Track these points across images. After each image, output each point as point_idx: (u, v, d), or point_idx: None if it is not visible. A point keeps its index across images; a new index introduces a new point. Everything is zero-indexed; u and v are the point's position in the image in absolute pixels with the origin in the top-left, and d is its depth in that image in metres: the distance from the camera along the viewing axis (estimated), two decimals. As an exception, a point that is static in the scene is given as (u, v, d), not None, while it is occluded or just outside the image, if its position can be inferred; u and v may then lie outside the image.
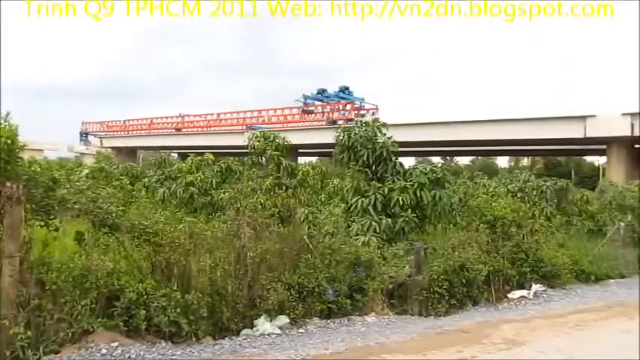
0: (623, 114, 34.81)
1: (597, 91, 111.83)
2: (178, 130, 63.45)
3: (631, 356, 6.55)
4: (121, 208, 7.21)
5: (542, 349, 6.92)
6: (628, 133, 34.50)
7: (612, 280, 12.11)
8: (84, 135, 73.36)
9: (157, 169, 16.76)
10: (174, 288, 6.63)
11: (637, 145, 37.63)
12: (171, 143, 60.38)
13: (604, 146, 38.34)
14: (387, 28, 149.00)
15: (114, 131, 70.36)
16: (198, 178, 14.37)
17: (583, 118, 36.09)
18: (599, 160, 54.47)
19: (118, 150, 58.58)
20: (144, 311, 6.28)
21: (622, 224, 13.70)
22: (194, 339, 6.57)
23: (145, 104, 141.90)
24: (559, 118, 37.61)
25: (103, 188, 7.61)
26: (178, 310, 6.43)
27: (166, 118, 65.62)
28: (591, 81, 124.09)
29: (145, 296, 6.35)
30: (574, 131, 36.58)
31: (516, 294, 9.98)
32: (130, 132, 68.06)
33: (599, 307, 9.61)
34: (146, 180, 16.32)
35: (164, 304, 6.38)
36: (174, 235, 6.98)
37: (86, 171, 15.41)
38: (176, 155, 56.50)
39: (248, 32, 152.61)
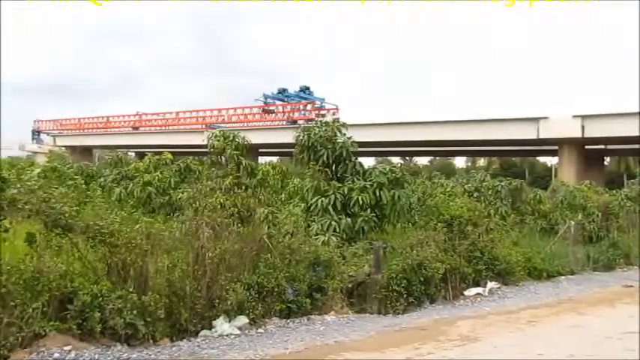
0: (574, 116, 36.12)
1: (550, 93, 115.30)
2: (136, 128, 62.23)
3: (581, 351, 6.81)
4: (74, 208, 7.02)
5: (495, 344, 7.11)
6: (579, 135, 35.82)
7: (563, 277, 12.54)
8: (36, 133, 71.05)
9: (114, 169, 16.37)
10: (131, 289, 6.51)
11: (587, 147, 39.10)
12: (128, 142, 59.17)
13: (556, 147, 39.67)
14: (348, 27, 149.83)
15: (68, 129, 68.39)
16: (156, 178, 14.10)
17: (536, 119, 37.28)
18: (551, 161, 56.37)
19: (73, 149, 56.91)
20: (99, 314, 6.14)
21: (572, 223, 14.19)
22: (151, 341, 6.46)
23: (100, 102, 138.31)
24: (513, 119, 38.73)
25: (56, 188, 7.39)
26: (135, 311, 6.31)
27: (123, 116, 64.27)
28: (545, 83, 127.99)
29: (100, 298, 6.21)
30: (528, 132, 37.75)
31: (472, 291, 10.22)
32: (85, 130, 66.32)
33: (551, 303, 9.93)
34: (102, 179, 15.92)
35: (120, 305, 6.25)
36: (130, 235, 6.84)
37: (38, 170, 14.93)
38: (133, 154, 55.35)
39: (205, 30, 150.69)
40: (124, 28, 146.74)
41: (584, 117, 35.76)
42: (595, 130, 35.59)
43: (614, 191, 20.50)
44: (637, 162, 53.22)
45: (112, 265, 6.76)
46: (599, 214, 16.59)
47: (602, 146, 42.73)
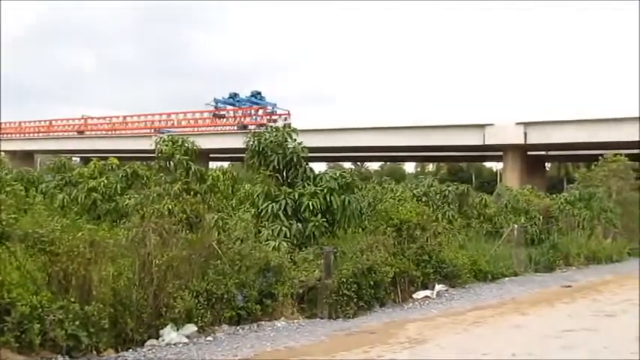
0: (517, 123, 37.42)
1: (495, 100, 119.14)
2: (81, 132, 60.26)
3: (522, 349, 7.04)
4: (12, 215, 6.74)
5: (442, 345, 7.26)
6: (521, 141, 37.14)
7: (507, 279, 12.96)
8: (-28, 137, 67.63)
9: (57, 174, 15.79)
10: (73, 299, 6.28)
11: (529, 152, 40.58)
12: (72, 147, 57.15)
13: (501, 153, 40.98)
14: (302, 33, 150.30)
15: (7, 133, 65.41)
16: (102, 184, 13.70)
17: (482, 126, 38.40)
18: (497, 166, 58.19)
19: (12, 154, 54.57)
20: (38, 325, 5.90)
21: (516, 226, 14.70)
22: (94, 352, 6.27)
23: (42, 105, 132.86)
24: (461, 126, 39.77)
25: (-8, 195, 7.07)
26: (77, 322, 6.10)
27: (67, 120, 62.13)
28: (491, 90, 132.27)
29: (40, 309, 5.97)
30: (474, 138, 38.84)
31: (421, 294, 10.41)
32: (27, 134, 63.68)
33: (495, 304, 10.24)
34: (44, 186, 15.33)
35: (61, 316, 6.03)
36: (72, 243, 6.61)
37: (-27, 176, 14.22)
38: (78, 160, 53.54)
39: (153, 32, 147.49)
40: (67, 28, 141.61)
41: (526, 124, 37.11)
42: (537, 137, 37.02)
43: (555, 195, 21.40)
44: (576, 167, 55.69)
45: (53, 275, 6.52)
46: (541, 218, 17.27)
47: (544, 152, 44.49)
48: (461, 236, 14.23)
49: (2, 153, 55.03)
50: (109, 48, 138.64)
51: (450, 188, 16.28)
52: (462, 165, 70.30)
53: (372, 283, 9.23)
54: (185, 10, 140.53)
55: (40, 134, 62.60)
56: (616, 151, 23.61)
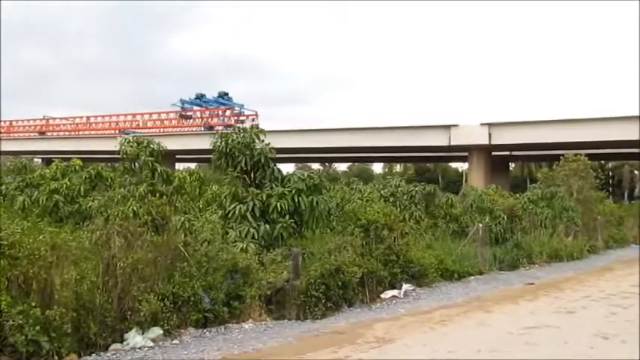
0: (482, 124, 38.15)
1: (461, 101, 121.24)
2: (42, 133, 58.81)
3: (487, 346, 7.18)
4: (-31, 218, 6.52)
5: (409, 344, 7.34)
6: (486, 142, 37.86)
7: (472, 277, 13.19)
8: None
9: (16, 176, 15.33)
10: (34, 304, 6.11)
11: (494, 153, 41.37)
12: (34, 148, 55.70)
13: (466, 153, 41.67)
14: (270, 32, 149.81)
15: (-35, 134, 63.37)
16: (64, 185, 13.36)
17: (448, 127, 39.01)
18: (462, 166, 59.19)
19: (-30, 155, 52.80)
20: (-3, 331, 5.72)
21: (481, 225, 14.96)
22: (56, 358, 6.09)
23: (3, 104, 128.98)
24: (427, 127, 40.31)
25: (-52, 197, 6.83)
26: (38, 327, 5.93)
27: (28, 120, 60.53)
28: (457, 92, 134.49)
29: (-1, 314, 5.79)
30: (440, 139, 39.42)
31: (388, 294, 10.50)
32: (-15, 135, 61.70)
33: (461, 303, 10.40)
34: (3, 187, 14.87)
35: (21, 321, 5.86)
36: (33, 246, 6.44)
37: None
38: (40, 161, 52.15)
39: (118, 31, 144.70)
40: (28, 26, 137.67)
41: (490, 125, 37.85)
42: (501, 137, 37.79)
43: (518, 195, 21.86)
44: (538, 167, 57.05)
45: (13, 279, 6.31)
46: (505, 217, 17.61)
47: (508, 152, 45.44)
48: (428, 236, 14.40)
49: (-41, 154, 53.30)
50: (73, 47, 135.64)
51: (417, 188, 16.44)
52: (429, 165, 71.31)
53: (340, 283, 9.25)
54: (150, 8, 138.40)
55: (0, 135, 60.74)
56: (576, 151, 24.31)
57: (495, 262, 14.69)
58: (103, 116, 57.08)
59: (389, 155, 55.62)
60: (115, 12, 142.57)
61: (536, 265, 15.85)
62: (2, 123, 61.48)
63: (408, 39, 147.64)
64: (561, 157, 24.07)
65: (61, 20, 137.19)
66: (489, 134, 37.73)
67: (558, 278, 13.73)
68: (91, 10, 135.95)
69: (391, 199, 15.84)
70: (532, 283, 12.81)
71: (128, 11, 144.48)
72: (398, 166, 77.04)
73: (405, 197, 16.15)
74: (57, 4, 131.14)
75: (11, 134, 60.29)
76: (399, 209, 14.23)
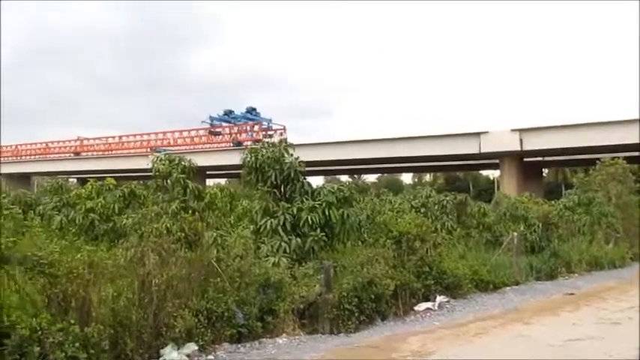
0: (512, 130, 37.58)
1: (490, 108, 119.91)
2: (77, 154, 60.37)
3: (528, 359, 7.02)
4: (11, 239, 6.73)
5: (445, 357, 7.22)
6: (517, 148, 37.26)
7: (508, 288, 12.91)
8: (-32, 161, 67.61)
9: (54, 196, 15.76)
10: (73, 321, 6.24)
11: (526, 159, 40.69)
12: (69, 168, 57.29)
13: (497, 160, 41.08)
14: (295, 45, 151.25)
15: (4, 157, 65.49)
16: (99, 204, 13.68)
17: (477, 134, 38.56)
18: (494, 174, 58.37)
19: (9, 177, 54.54)
20: (38, 348, 5.85)
21: (515, 234, 14.68)
22: (95, 374, 6.20)
23: (36, 127, 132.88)
24: (456, 135, 39.92)
25: (-10, 219, 7.07)
26: (77, 344, 6.05)
27: (64, 141, 62.25)
28: (485, 98, 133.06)
29: (40, 332, 5.93)
30: (470, 147, 38.97)
31: (422, 306, 10.37)
32: (23, 157, 63.72)
33: (497, 314, 10.20)
34: (41, 208, 15.28)
35: (61, 339, 5.99)
36: (71, 265, 6.60)
37: (-30, 200, 14.17)
38: (75, 181, 53.55)
39: (142, 51, 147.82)
40: (51, 47, 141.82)
41: (521, 130, 37.28)
42: (533, 143, 37.17)
43: (553, 202, 21.39)
44: (573, 172, 55.85)
45: (52, 297, 6.48)
46: (540, 225, 17.24)
47: (540, 158, 44.64)
48: (461, 246, 14.21)
49: (-1, 176, 55.10)
50: (100, 68, 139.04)
51: (447, 198, 16.27)
52: (459, 174, 70.45)
53: (372, 296, 9.20)
54: (173, 27, 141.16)
55: (37, 156, 62.64)
56: (614, 155, 23.69)
57: (532, 272, 14.36)
58: (134, 135, 58.30)
59: (418, 165, 55.23)
60: (138, 33, 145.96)
61: (576, 274, 15.43)
62: (38, 145, 63.41)
63: (430, 46, 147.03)
64: (597, 162, 23.48)
65: (87, 43, 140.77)
66: (520, 140, 37.15)
67: (600, 288, 13.34)
68: (114, 31, 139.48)
69: (422, 210, 15.69)
70: (572, 293, 12.48)
71: (152, 32, 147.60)
72: (427, 175, 76.49)
73: (436, 207, 15.98)
74: (81, 27, 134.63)
75: (47, 155, 62.04)
76: (430, 220, 14.08)
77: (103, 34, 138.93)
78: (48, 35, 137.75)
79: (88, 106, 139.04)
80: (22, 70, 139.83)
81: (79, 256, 6.92)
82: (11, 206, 14.29)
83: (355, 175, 71.26)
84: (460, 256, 13.27)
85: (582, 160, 42.38)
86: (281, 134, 48.05)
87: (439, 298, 10.80)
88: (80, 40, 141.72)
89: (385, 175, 76.47)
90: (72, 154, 60.53)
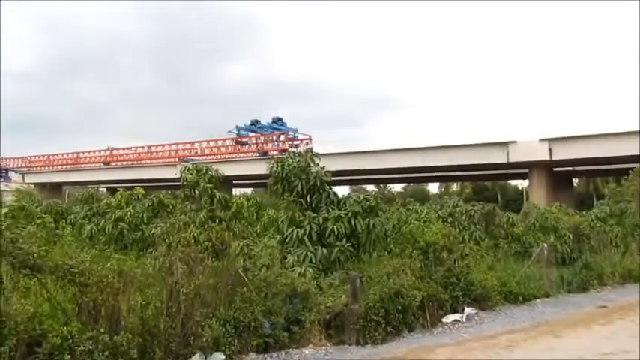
0: (541, 139, 36.96)
1: (518, 117, 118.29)
2: (107, 164, 61.48)
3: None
4: (43, 247, 6.88)
5: (475, 370, 7.10)
6: (546, 158, 36.62)
7: (538, 300, 12.62)
8: (4, 171, 69.52)
9: (84, 205, 16.09)
10: (102, 329, 6.34)
11: (555, 169, 39.96)
12: (99, 178, 58.42)
13: (526, 170, 40.45)
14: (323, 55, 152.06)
15: (37, 167, 67.20)
16: (129, 213, 13.90)
17: (505, 144, 38.05)
18: (522, 184, 57.40)
19: (42, 186, 55.85)
20: (69, 356, 5.96)
21: (545, 245, 14.39)
22: (124, 382, 6.27)
23: (69, 138, 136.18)
24: (484, 144, 39.43)
25: (24, 227, 7.24)
26: (107, 352, 6.14)
27: (94, 152, 63.53)
28: (512, 108, 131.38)
29: (70, 340, 6.04)
30: (498, 157, 38.46)
31: (450, 318, 10.22)
32: (55, 167, 65.24)
33: (528, 327, 9.98)
34: (72, 217, 15.61)
35: (91, 347, 6.08)
36: (101, 274, 6.71)
37: (5, 210, 14.56)
38: (105, 190, 54.56)
39: (169, 62, 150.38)
40: (81, 60, 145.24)
41: (551, 140, 36.65)
42: (562, 153, 36.49)
43: (584, 212, 20.92)
44: (605, 183, 54.64)
45: (83, 305, 6.60)
46: (571, 236, 16.86)
47: (570, 168, 43.78)
48: (489, 257, 13.99)
49: (32, 186, 56.48)
50: (129, 79, 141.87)
51: (475, 208, 16.07)
52: (487, 184, 69.58)
53: (399, 307, 9.10)
54: (204, 38, 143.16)
55: (68, 166, 64.04)
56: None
57: (563, 284, 14.03)
58: (163, 145, 59.12)
59: (445, 175, 54.71)
60: (166, 44, 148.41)
61: (608, 287, 15.01)
62: (70, 155, 64.83)
63: (457, 56, 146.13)
64: (630, 171, 22.92)
65: (112, 53, 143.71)
66: (550, 150, 36.51)
67: (633, 300, 12.93)
68: (143, 43, 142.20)
69: (449, 220, 15.50)
70: (605, 306, 12.14)
71: (179, 43, 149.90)
72: (454, 185, 75.67)
73: (463, 217, 15.79)
74: (110, 38, 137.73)
75: (78, 165, 63.39)
76: (457, 230, 13.92)
77: (135, 45, 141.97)
78: (79, 46, 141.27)
79: (118, 117, 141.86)
80: (56, 82, 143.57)
81: (108, 264, 7.05)
82: (43, 215, 14.66)
83: (381, 185, 71.03)
84: (488, 267, 13.06)
85: (614, 169, 41.46)
86: (307, 144, 48.20)
87: (467, 310, 10.63)
88: (112, 50, 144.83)
89: (411, 184, 75.98)
90: (102, 164, 61.70)
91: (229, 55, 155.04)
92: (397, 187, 77.48)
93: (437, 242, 11.05)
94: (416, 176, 57.35)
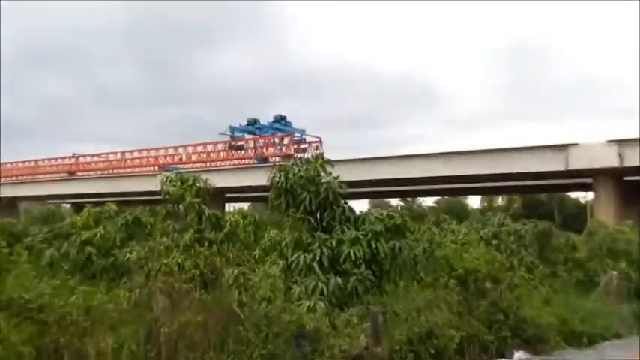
0: (609, 141, 36.66)
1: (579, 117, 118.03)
2: (72, 174, 61.97)
3: None
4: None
5: None
6: (616, 164, 36.32)
7: (607, 342, 12.50)
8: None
9: (44, 225, 16.23)
10: (66, 379, 6.38)
11: (627, 178, 39.62)
12: (62, 191, 58.85)
13: (590, 180, 40.15)
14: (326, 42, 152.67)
15: (-16, 178, 67.86)
16: (98, 235, 14.01)
17: (564, 147, 37.76)
18: (585, 197, 57.11)
19: (-9, 202, 56.44)
20: (25, 412, 5.99)
21: (614, 273, 14.29)
22: None
23: (24, 141, 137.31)
24: (536, 148, 39.21)
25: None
26: (71, 407, 6.17)
27: (56, 159, 64.05)
28: (572, 103, 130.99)
29: (27, 392, 6.07)
30: (554, 163, 38.19)
31: (496, 364, 10.18)
32: (8, 178, 65.83)
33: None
34: (29, 239, 15.75)
35: (52, 400, 6.11)
36: (64, 310, 6.76)
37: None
38: (69, 206, 54.99)
39: (146, 53, 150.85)
40: (45, 53, 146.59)
41: (621, 142, 36.35)
42: (635, 158, 36.19)
43: (664, 232, 20.74)
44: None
45: (43, 348, 6.63)
46: (647, 262, 16.74)
47: (646, 177, 43.45)
48: (544, 288, 13.94)
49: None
50: (101, 74, 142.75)
51: (526, 227, 16.06)
52: (541, 197, 69.20)
53: (432, 351, 9.10)
54: (187, 24, 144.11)
55: (24, 177, 64.59)
56: None
57: (638, 322, 13.92)
58: (139, 151, 59.49)
59: (488, 186, 54.51)
60: (147, 33, 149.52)
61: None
62: (26, 164, 65.42)
63: (505, 40, 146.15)
64: None
65: (83, 43, 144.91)
66: (619, 155, 36.23)
67: None
68: (120, 30, 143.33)
69: (494, 242, 15.51)
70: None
71: (162, 31, 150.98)
72: (500, 199, 75.40)
73: (511, 239, 15.79)
74: (81, 26, 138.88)
75: (36, 176, 63.95)
76: (504, 254, 13.92)
77: (111, 32, 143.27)
78: (43, 34, 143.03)
79: (87, 118, 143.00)
80: (13, 77, 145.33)
81: (73, 298, 7.09)
82: (-6, 238, 14.78)
83: (409, 199, 70.86)
84: (544, 300, 13.00)
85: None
86: (316, 148, 48.28)
87: (517, 354, 10.56)
88: (83, 38, 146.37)
89: (446, 198, 75.82)
90: (66, 174, 62.19)
91: (223, 40, 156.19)
92: (428, 201, 77.24)
93: (479, 270, 11.04)
94: (452, 187, 57.18)
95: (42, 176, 63.58)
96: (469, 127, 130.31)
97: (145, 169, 56.45)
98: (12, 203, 57.60)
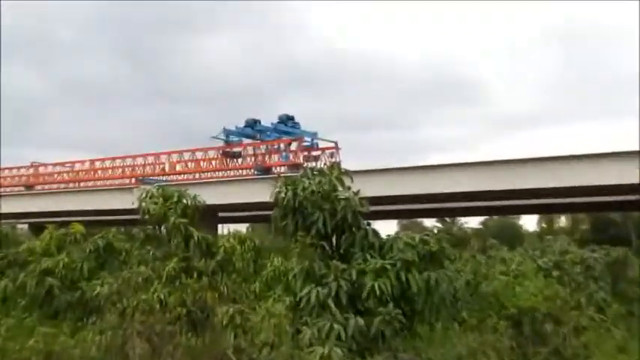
0: (701, 145, 36.47)
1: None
2: (30, 187, 62.36)
3: None
4: None
5: None
6: None
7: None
8: None
9: (-6, 251, 16.33)
10: None
11: None
12: (17, 208, 59.18)
13: (676, 195, 39.95)
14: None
15: None
16: (61, 263, 14.06)
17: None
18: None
19: None
20: None
21: None
22: None
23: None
24: (605, 155, 38.98)
25: None
26: None
27: (10, 169, 64.51)
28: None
29: None
30: (628, 174, 37.96)
31: None
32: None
33: None
34: (-24, 269, 15.86)
35: None
36: (21, 356, 6.77)
37: None
38: (26, 227, 55.26)
39: (128, 45, 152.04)
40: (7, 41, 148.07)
41: None
42: None
43: None
44: None
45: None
46: None
47: None
48: (619, 331, 13.83)
49: None
50: (70, 65, 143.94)
51: (595, 255, 15.99)
52: (614, 216, 68.81)
53: (479, 410, 9.04)
54: (170, 10, 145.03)
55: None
56: None
57: None
58: (113, 159, 59.74)
59: (546, 202, 54.28)
60: (126, 16, 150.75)
61: None
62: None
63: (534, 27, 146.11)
64: None
65: (49, 31, 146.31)
66: None
67: None
68: (96, 15, 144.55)
69: (555, 274, 15.45)
70: None
71: (144, 14, 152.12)
72: (562, 218, 75.07)
73: (577, 269, 15.72)
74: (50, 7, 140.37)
75: (-15, 190, 64.47)
76: (568, 289, 13.83)
77: (74, 17, 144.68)
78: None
79: (51, 118, 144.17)
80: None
81: (32, 342, 7.10)
82: None
83: (447, 218, 70.64)
84: (618, 347, 12.90)
85: None
86: (332, 155, 48.16)
87: (585, 415, 10.49)
88: (48, 24, 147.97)
89: (495, 217, 75.54)
90: (22, 188, 62.61)
91: (219, 26, 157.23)
92: (473, 222, 77.00)
93: (536, 308, 10.98)
94: (502, 204, 56.97)
95: (-8, 190, 64.00)
96: (509, 126, 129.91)
97: (119, 181, 56.67)
98: (-44, 223, 58.02)
